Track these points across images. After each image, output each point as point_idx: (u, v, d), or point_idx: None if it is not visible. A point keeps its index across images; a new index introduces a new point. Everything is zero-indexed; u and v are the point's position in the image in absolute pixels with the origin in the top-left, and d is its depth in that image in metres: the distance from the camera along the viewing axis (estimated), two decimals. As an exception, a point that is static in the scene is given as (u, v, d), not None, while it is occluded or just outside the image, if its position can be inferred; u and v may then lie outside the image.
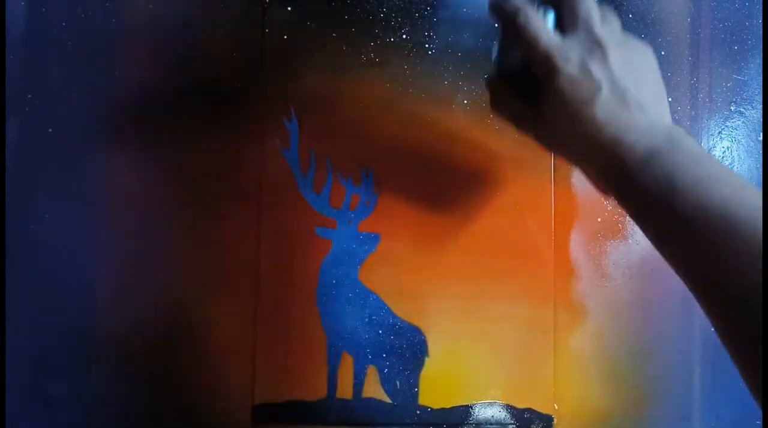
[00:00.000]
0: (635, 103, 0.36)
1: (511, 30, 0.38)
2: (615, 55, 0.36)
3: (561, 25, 0.38)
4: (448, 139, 0.56)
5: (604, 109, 0.36)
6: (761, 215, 0.31)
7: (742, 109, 0.58)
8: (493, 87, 0.42)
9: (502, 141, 0.56)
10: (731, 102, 0.58)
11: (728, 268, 0.32)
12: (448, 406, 0.55)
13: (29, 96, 0.55)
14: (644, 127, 0.36)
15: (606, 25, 0.38)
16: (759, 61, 0.58)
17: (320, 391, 0.54)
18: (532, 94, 0.39)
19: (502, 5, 0.38)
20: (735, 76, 0.58)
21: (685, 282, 0.35)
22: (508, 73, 0.40)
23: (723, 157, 0.58)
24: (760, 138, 0.58)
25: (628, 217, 0.56)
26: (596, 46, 0.36)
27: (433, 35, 0.57)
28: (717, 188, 0.33)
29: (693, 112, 0.58)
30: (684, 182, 0.34)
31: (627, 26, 0.57)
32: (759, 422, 0.56)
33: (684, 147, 0.36)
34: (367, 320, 0.55)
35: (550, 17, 0.38)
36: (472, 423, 0.55)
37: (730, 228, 0.32)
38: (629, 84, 0.36)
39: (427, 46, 0.57)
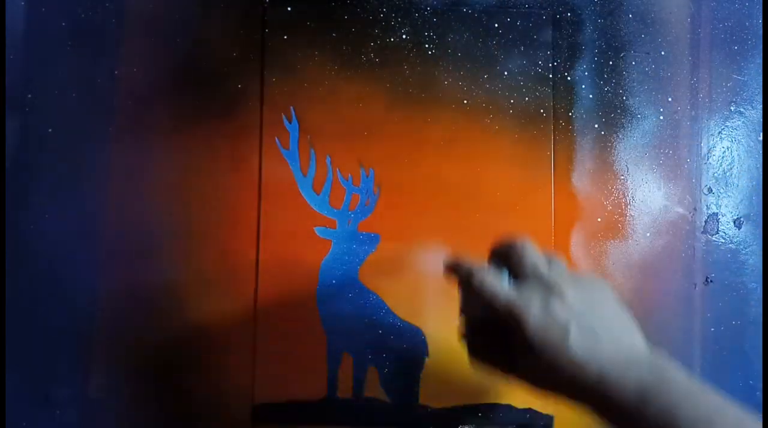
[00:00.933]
0: (607, 336, 0.37)
1: (470, 290, 0.39)
2: (572, 294, 0.37)
3: (514, 278, 0.39)
4: (448, 139, 0.56)
5: (579, 347, 0.36)
6: None
7: (742, 109, 0.58)
8: (468, 341, 0.42)
9: (502, 141, 0.56)
10: (731, 102, 0.58)
11: None
12: (448, 406, 0.55)
13: (29, 96, 0.55)
14: (625, 361, 0.36)
15: (554, 269, 0.39)
16: (759, 61, 0.58)
17: (320, 391, 0.54)
18: (507, 341, 0.39)
19: (457, 270, 0.40)
20: (735, 76, 0.58)
21: None
22: (479, 326, 0.41)
23: (723, 157, 0.58)
24: (760, 138, 0.58)
25: (628, 217, 0.56)
26: (552, 290, 0.37)
27: (433, 35, 0.57)
28: (718, 423, 0.34)
29: (693, 112, 0.58)
30: (682, 423, 0.34)
31: (627, 26, 0.57)
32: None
33: (672, 382, 0.36)
34: (367, 320, 0.55)
35: (504, 273, 0.40)
36: (471, 423, 0.55)
37: None
38: (595, 319, 0.37)
39: (427, 46, 0.57)
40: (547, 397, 0.39)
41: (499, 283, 0.39)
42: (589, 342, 0.36)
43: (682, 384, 0.35)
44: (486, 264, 0.41)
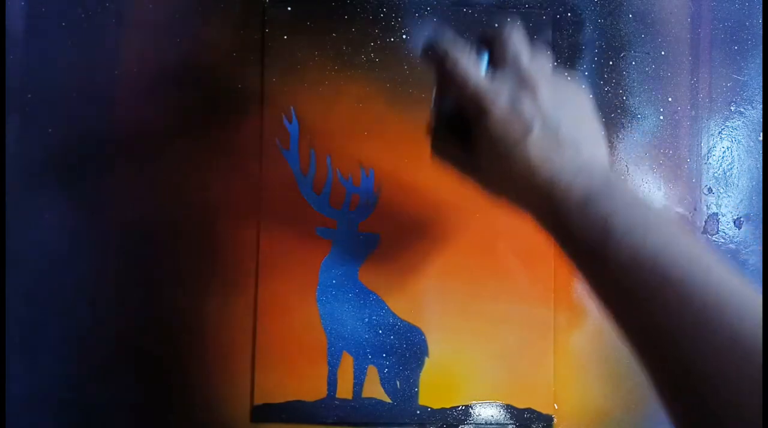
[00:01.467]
0: (569, 142, 0.36)
1: (443, 73, 0.38)
2: (546, 93, 0.36)
3: (493, 66, 0.38)
4: (448, 139, 0.56)
5: (537, 148, 0.35)
6: (690, 266, 0.31)
7: (742, 109, 0.58)
8: (432, 133, 0.41)
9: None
10: (731, 102, 0.58)
11: (658, 317, 0.31)
12: (448, 406, 0.55)
13: (29, 96, 0.55)
14: (579, 168, 0.35)
15: (536, 63, 0.37)
16: (759, 61, 0.58)
17: (320, 391, 0.54)
18: (469, 137, 0.38)
19: (433, 49, 0.38)
20: (735, 76, 0.58)
21: (618, 325, 0.34)
22: (446, 118, 0.40)
23: (723, 157, 0.58)
24: (760, 138, 0.58)
25: (628, 217, 0.56)
26: (526, 84, 0.36)
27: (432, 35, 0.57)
28: (650, 237, 0.32)
29: (693, 112, 0.58)
30: (618, 229, 0.33)
31: (627, 26, 0.57)
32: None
33: (620, 191, 0.35)
34: (367, 320, 0.55)
35: (484, 58, 0.38)
36: (472, 423, 0.55)
37: (660, 279, 0.31)
38: (562, 122, 0.36)
39: (427, 46, 0.57)
40: (494, 196, 0.38)
41: (474, 67, 0.37)
42: (548, 146, 0.35)
43: (626, 193, 0.35)
44: (466, 48, 0.38)
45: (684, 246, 0.32)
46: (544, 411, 0.55)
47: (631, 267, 0.32)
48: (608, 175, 0.36)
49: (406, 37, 0.57)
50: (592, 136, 0.38)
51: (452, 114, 0.38)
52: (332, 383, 0.54)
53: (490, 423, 0.55)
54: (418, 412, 0.55)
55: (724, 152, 0.58)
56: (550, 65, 0.38)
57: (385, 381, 0.55)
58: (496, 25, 0.57)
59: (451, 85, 0.37)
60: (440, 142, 0.40)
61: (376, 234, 0.56)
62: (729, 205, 0.58)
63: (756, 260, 0.57)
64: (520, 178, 0.36)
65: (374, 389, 0.55)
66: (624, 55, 0.58)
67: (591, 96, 0.39)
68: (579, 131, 0.37)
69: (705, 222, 0.57)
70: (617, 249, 0.33)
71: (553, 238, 0.37)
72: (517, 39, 0.37)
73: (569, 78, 0.38)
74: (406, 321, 0.55)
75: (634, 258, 0.32)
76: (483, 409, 0.55)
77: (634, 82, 0.57)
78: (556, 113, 0.36)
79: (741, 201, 0.58)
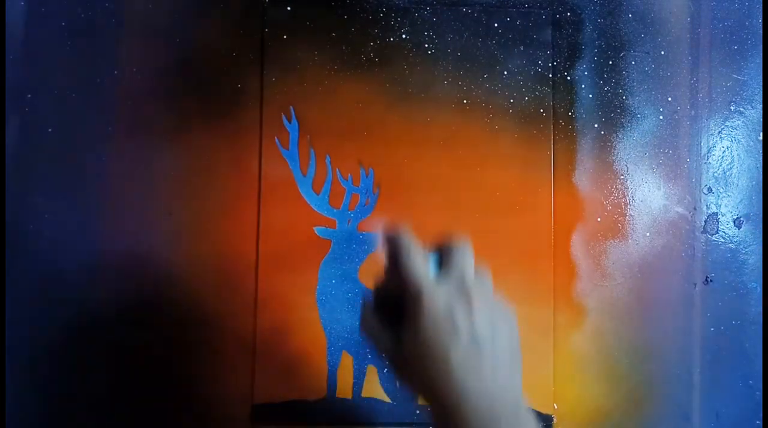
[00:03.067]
0: (489, 364, 0.37)
1: (396, 263, 0.39)
2: (480, 309, 0.37)
3: (441, 270, 0.39)
4: (447, 138, 0.56)
5: (459, 356, 0.36)
6: None
7: (742, 109, 0.58)
8: (367, 308, 0.42)
9: (502, 141, 0.56)
10: (731, 102, 0.58)
11: None
12: (448, 406, 0.55)
13: (29, 96, 0.55)
14: (491, 394, 0.37)
15: (478, 280, 0.39)
16: (759, 61, 0.58)
17: (320, 391, 0.54)
18: (400, 326, 0.39)
19: (393, 239, 0.40)
20: (735, 75, 0.58)
21: None
22: (385, 299, 0.41)
23: (723, 157, 0.58)
24: (760, 138, 0.58)
25: (628, 217, 0.56)
26: (465, 296, 0.37)
27: (433, 35, 0.57)
28: None
29: (693, 112, 0.58)
30: None
31: (627, 26, 0.57)
32: (759, 422, 0.56)
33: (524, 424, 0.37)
34: (366, 320, 0.55)
35: (433, 261, 0.40)
36: (471, 423, 0.55)
37: None
38: (487, 340, 0.37)
39: (427, 46, 0.57)
40: (403, 384, 0.39)
41: (424, 266, 0.39)
42: (470, 360, 0.37)
43: None
44: (420, 246, 0.40)
45: None
46: (544, 410, 0.55)
47: None
48: (518, 403, 0.38)
49: (406, 37, 0.57)
50: (511, 359, 0.39)
51: (391, 300, 0.40)
52: (332, 383, 0.54)
53: (490, 423, 0.55)
54: (417, 412, 0.55)
55: (724, 152, 0.58)
56: (491, 284, 0.40)
57: (384, 381, 0.55)
58: (496, 24, 0.57)
59: (399, 274, 0.39)
60: (371, 318, 0.41)
61: (376, 234, 0.56)
62: (729, 204, 0.58)
63: (756, 260, 0.57)
64: (436, 379, 0.37)
65: (374, 389, 0.55)
66: (624, 55, 0.58)
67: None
68: (501, 351, 0.38)
69: (705, 221, 0.57)
70: None
71: None
72: (466, 255, 0.40)
73: (504, 306, 0.40)
74: (405, 320, 0.55)
75: None
76: (483, 409, 0.55)
77: (634, 82, 0.57)
78: (484, 332, 0.37)
79: (741, 200, 0.58)
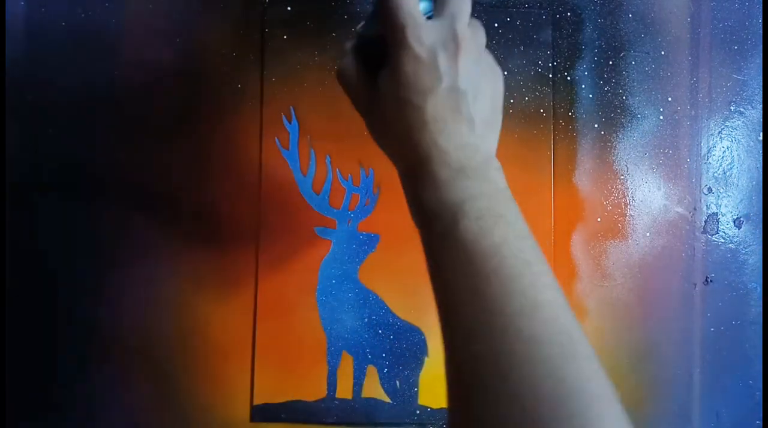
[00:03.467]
0: (467, 115, 0.35)
1: None
2: (466, 59, 0.35)
3: (434, 11, 0.36)
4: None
5: (436, 105, 0.34)
6: (523, 268, 0.31)
7: (742, 109, 0.58)
8: (346, 55, 0.39)
9: (501, 141, 0.56)
10: (731, 102, 0.58)
11: (477, 309, 0.31)
12: (448, 406, 0.55)
13: (29, 96, 0.55)
14: (466, 143, 0.34)
15: (471, 30, 0.36)
16: (759, 61, 0.58)
17: (320, 391, 0.54)
18: (378, 71, 0.37)
19: None
20: (735, 76, 0.58)
21: (438, 302, 0.34)
22: (366, 45, 0.38)
23: (723, 157, 0.58)
24: (760, 138, 0.58)
25: (628, 217, 0.56)
26: (453, 41, 0.34)
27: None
28: (498, 230, 0.32)
29: (693, 112, 0.58)
30: (473, 213, 0.32)
31: (627, 26, 0.57)
32: (759, 422, 0.56)
33: (492, 181, 0.34)
34: (366, 320, 0.55)
35: (426, 2, 0.37)
36: (471, 423, 0.55)
37: (491, 272, 0.31)
38: (469, 93, 0.35)
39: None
40: (376, 139, 0.38)
41: (417, 7, 0.35)
42: (447, 108, 0.34)
43: (496, 183, 0.34)
44: None
45: (527, 247, 0.32)
46: (544, 411, 0.55)
47: (471, 252, 0.32)
48: (489, 160, 0.35)
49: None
50: (490, 119, 0.37)
51: (374, 40, 0.37)
52: (332, 383, 0.54)
53: (490, 423, 0.55)
54: (417, 412, 0.55)
55: (724, 152, 0.58)
56: (484, 39, 0.37)
57: (384, 381, 0.55)
58: (496, 24, 0.57)
59: (384, 9, 0.35)
60: (349, 66, 0.38)
61: (376, 234, 0.56)
62: (729, 204, 0.58)
63: (756, 260, 0.57)
64: (408, 129, 0.35)
65: (374, 389, 0.55)
66: (624, 55, 0.58)
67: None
68: (481, 109, 0.36)
69: (705, 221, 0.57)
70: (465, 230, 0.32)
71: (408, 201, 0.37)
72: (463, 4, 0.36)
73: (492, 63, 0.38)
74: (405, 321, 0.55)
75: (477, 243, 0.32)
76: (483, 409, 0.55)
77: (634, 82, 0.57)
78: (468, 83, 0.35)
79: (741, 201, 0.58)
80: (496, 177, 0.35)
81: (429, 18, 0.36)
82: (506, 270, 0.31)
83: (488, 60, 0.38)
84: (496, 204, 0.33)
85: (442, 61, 0.34)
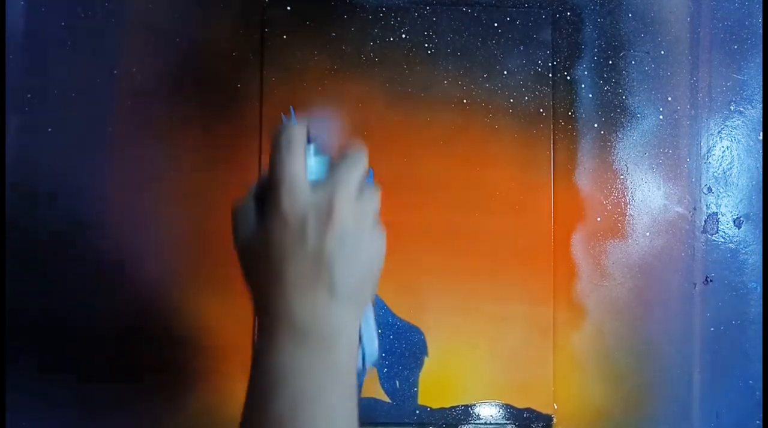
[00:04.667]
0: (329, 283, 0.34)
1: (276, 149, 0.35)
2: (340, 228, 0.34)
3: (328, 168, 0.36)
4: (447, 138, 0.56)
5: (296, 267, 0.33)
6: None
7: (741, 109, 0.58)
8: (246, 199, 0.38)
9: (501, 141, 0.56)
10: (731, 102, 0.58)
11: None
12: (448, 406, 0.55)
13: (29, 96, 0.55)
14: (318, 313, 0.34)
15: (360, 199, 0.36)
16: (759, 60, 0.58)
17: None
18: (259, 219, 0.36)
19: (282, 128, 0.36)
20: (735, 75, 0.58)
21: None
22: (261, 190, 0.38)
23: (723, 157, 0.58)
24: (760, 137, 0.58)
25: (628, 217, 0.56)
26: (327, 209, 0.34)
27: (432, 35, 0.57)
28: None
29: (693, 112, 0.58)
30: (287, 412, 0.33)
31: (627, 25, 0.57)
32: (759, 422, 0.56)
33: (325, 368, 0.34)
34: (366, 320, 0.55)
35: (322, 159, 0.37)
36: (471, 423, 0.55)
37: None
38: (336, 262, 0.34)
39: (426, 45, 0.57)
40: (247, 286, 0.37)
41: (300, 154, 0.35)
42: (312, 271, 0.33)
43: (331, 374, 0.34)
44: (311, 145, 0.37)
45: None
46: (544, 410, 0.55)
47: None
48: (340, 335, 0.35)
49: (406, 37, 0.57)
50: (358, 288, 0.36)
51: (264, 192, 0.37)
52: (332, 383, 0.54)
53: (490, 423, 0.55)
54: (417, 412, 0.55)
55: (724, 152, 0.58)
56: (375, 206, 0.37)
57: (384, 381, 0.55)
58: (496, 24, 0.57)
59: (270, 160, 0.35)
60: (245, 208, 0.38)
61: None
62: (729, 204, 0.58)
63: (756, 260, 0.57)
64: (267, 284, 0.34)
65: (373, 389, 0.55)
66: (624, 55, 0.58)
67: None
68: (349, 276, 0.34)
69: (705, 221, 0.57)
70: (277, 406, 0.33)
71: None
72: (354, 167, 0.36)
73: (376, 241, 0.37)
74: (405, 320, 0.55)
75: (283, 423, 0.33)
76: (482, 409, 0.55)
77: (633, 82, 0.57)
78: (338, 250, 0.34)
79: (741, 200, 0.58)
80: (341, 354, 0.34)
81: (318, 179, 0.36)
82: None
83: (375, 230, 0.37)
84: (322, 383, 0.33)
85: (311, 227, 0.33)
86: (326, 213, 0.34)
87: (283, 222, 0.34)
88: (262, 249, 0.35)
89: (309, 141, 0.37)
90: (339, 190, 0.34)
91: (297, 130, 0.35)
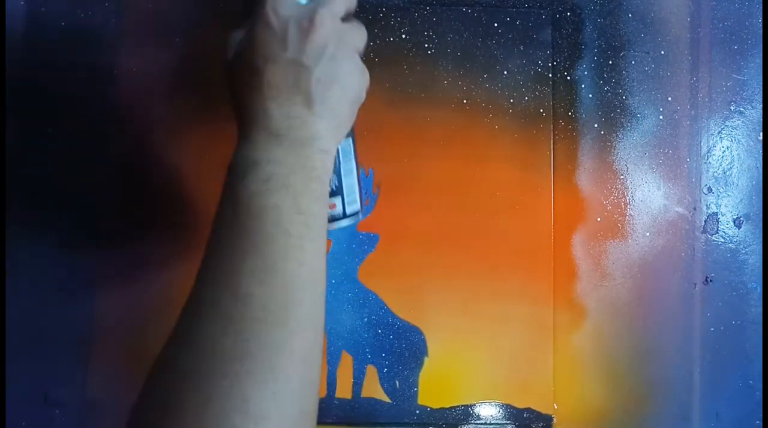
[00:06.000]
0: (306, 91, 0.35)
1: None
2: (320, 42, 0.35)
3: None
4: (447, 138, 0.56)
5: (276, 72, 0.34)
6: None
7: (741, 109, 0.58)
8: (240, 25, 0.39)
9: (501, 141, 0.56)
10: (731, 102, 0.58)
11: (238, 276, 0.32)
12: (448, 406, 0.55)
13: (29, 96, 0.55)
14: (293, 115, 0.35)
15: (343, 25, 0.36)
16: (759, 60, 0.58)
17: (320, 391, 0.54)
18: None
19: None
20: (735, 75, 0.58)
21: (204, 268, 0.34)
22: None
23: (723, 157, 0.58)
24: (760, 137, 0.58)
25: (628, 217, 0.56)
26: (309, 21, 0.35)
27: (432, 35, 0.57)
28: (270, 224, 0.33)
29: (693, 112, 0.58)
30: (256, 189, 0.33)
31: (627, 25, 0.57)
32: (759, 422, 0.56)
33: (301, 165, 0.34)
34: (366, 320, 0.55)
35: None
36: (471, 423, 0.55)
37: (231, 256, 0.32)
38: (315, 73, 0.35)
39: (426, 45, 0.57)
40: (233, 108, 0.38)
41: None
42: (290, 76, 0.35)
43: (308, 186, 0.34)
44: None
45: (297, 222, 0.33)
46: (544, 410, 0.55)
47: (241, 207, 0.33)
48: (314, 140, 0.35)
49: (406, 37, 0.57)
50: (339, 110, 0.37)
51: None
52: (331, 383, 0.54)
53: (490, 423, 0.55)
54: (417, 412, 0.55)
55: (724, 152, 0.58)
56: (359, 41, 0.38)
57: (384, 381, 0.55)
58: (496, 24, 0.57)
59: None
60: (237, 31, 0.38)
61: (376, 234, 0.56)
62: (729, 204, 0.58)
63: (756, 260, 0.57)
64: (246, 90, 0.35)
65: (373, 389, 0.55)
66: (624, 55, 0.58)
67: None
68: (330, 96, 0.36)
69: (705, 221, 0.57)
70: (247, 186, 0.33)
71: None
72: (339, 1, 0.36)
73: (357, 68, 0.38)
74: (405, 320, 0.55)
75: (250, 200, 0.33)
76: (482, 409, 0.55)
77: (633, 82, 0.57)
78: (317, 63, 0.35)
79: (741, 200, 0.58)
80: (314, 158, 0.35)
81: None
82: (262, 232, 0.32)
83: (356, 60, 0.38)
84: (292, 176, 0.34)
85: (292, 35, 0.35)
86: (308, 25, 0.35)
87: (266, 27, 0.35)
88: (246, 57, 0.36)
89: None
90: (322, 9, 0.35)
91: None
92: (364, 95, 0.39)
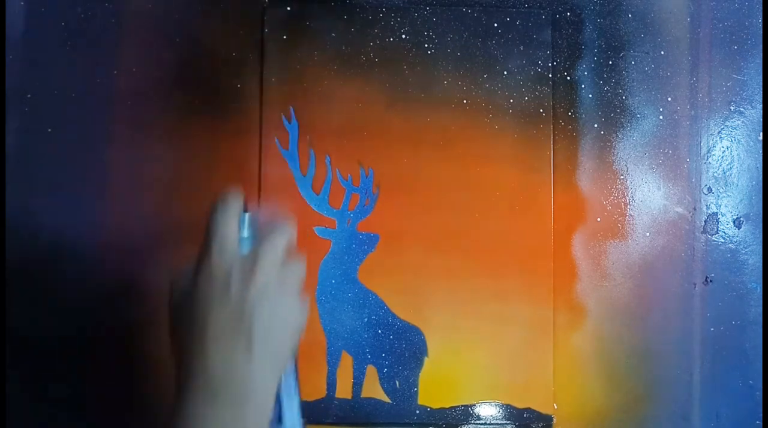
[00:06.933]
0: (246, 333, 0.35)
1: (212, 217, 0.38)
2: (263, 286, 0.36)
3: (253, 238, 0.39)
4: (447, 138, 0.56)
5: (219, 316, 0.35)
6: None
7: (741, 109, 0.58)
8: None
9: (501, 141, 0.56)
10: (731, 102, 0.58)
11: None
12: (448, 406, 0.55)
13: (29, 96, 0.55)
14: (233, 361, 0.35)
15: (285, 266, 0.38)
16: (759, 60, 0.58)
17: (320, 391, 0.54)
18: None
19: (221, 195, 0.39)
20: (735, 75, 0.58)
21: None
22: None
23: (723, 157, 0.58)
24: (760, 137, 0.58)
25: (628, 217, 0.56)
26: (251, 266, 0.36)
27: (432, 35, 0.57)
28: None
29: (693, 112, 0.58)
30: None
31: (627, 26, 0.57)
32: (759, 422, 0.56)
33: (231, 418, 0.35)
34: (366, 320, 0.55)
35: (249, 235, 0.39)
36: (471, 423, 0.55)
37: None
38: (256, 316, 0.35)
39: (426, 46, 0.57)
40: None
41: (234, 217, 0.37)
42: (232, 320, 0.35)
43: None
44: (246, 214, 0.40)
45: None
46: (544, 410, 0.55)
47: None
48: (245, 385, 0.35)
49: (406, 37, 0.57)
50: (276, 349, 0.37)
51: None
52: (332, 383, 0.54)
53: (490, 423, 0.55)
54: (417, 412, 0.55)
55: (724, 152, 0.58)
56: (298, 279, 0.39)
57: (384, 381, 0.55)
58: (496, 24, 0.57)
59: (209, 213, 0.38)
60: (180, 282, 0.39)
61: (376, 234, 0.56)
62: (729, 204, 0.58)
63: (756, 260, 0.57)
64: (186, 344, 0.36)
65: (374, 389, 0.55)
66: (623, 55, 0.58)
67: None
68: (268, 335, 0.36)
69: (705, 221, 0.57)
70: None
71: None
72: (279, 238, 0.38)
73: (297, 306, 0.39)
74: (405, 321, 0.55)
75: None
76: (482, 409, 0.55)
77: (633, 82, 0.57)
78: (259, 306, 0.36)
79: (741, 200, 0.58)
80: (247, 417, 0.35)
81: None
82: None
83: (297, 296, 0.39)
84: None
85: (235, 279, 0.36)
86: (250, 268, 0.36)
87: (209, 275, 0.36)
88: (188, 304, 0.37)
89: (245, 210, 0.40)
90: (265, 251, 0.37)
91: (233, 198, 0.38)
92: (305, 325, 0.40)
